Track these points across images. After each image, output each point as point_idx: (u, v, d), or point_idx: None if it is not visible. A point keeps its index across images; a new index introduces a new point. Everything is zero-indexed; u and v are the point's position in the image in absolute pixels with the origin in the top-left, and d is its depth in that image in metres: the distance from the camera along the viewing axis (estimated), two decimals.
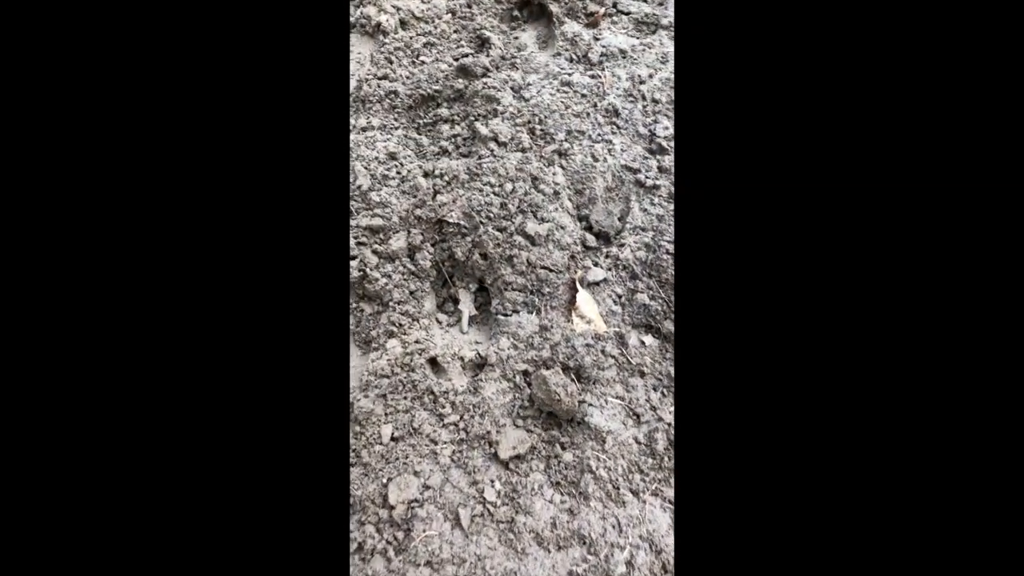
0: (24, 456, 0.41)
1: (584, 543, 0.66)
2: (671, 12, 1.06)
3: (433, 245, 0.84)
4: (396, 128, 0.94)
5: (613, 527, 0.67)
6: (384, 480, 0.69)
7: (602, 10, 1.06)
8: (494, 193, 0.85)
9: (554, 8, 1.06)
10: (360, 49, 1.05)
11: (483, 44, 1.03)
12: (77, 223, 0.43)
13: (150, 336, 0.43)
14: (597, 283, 0.83)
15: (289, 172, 0.46)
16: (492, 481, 0.70)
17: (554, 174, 0.88)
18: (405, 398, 0.74)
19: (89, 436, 0.42)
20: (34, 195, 0.43)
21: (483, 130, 0.91)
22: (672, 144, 0.91)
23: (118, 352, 0.43)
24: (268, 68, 0.46)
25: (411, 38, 1.04)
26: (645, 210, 0.87)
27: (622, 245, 0.86)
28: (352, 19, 1.07)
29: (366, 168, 0.88)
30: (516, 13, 1.08)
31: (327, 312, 0.47)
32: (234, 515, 0.42)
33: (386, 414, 0.73)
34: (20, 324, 0.42)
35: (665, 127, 0.93)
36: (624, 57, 1.00)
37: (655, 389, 0.76)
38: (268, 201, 0.45)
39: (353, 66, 1.03)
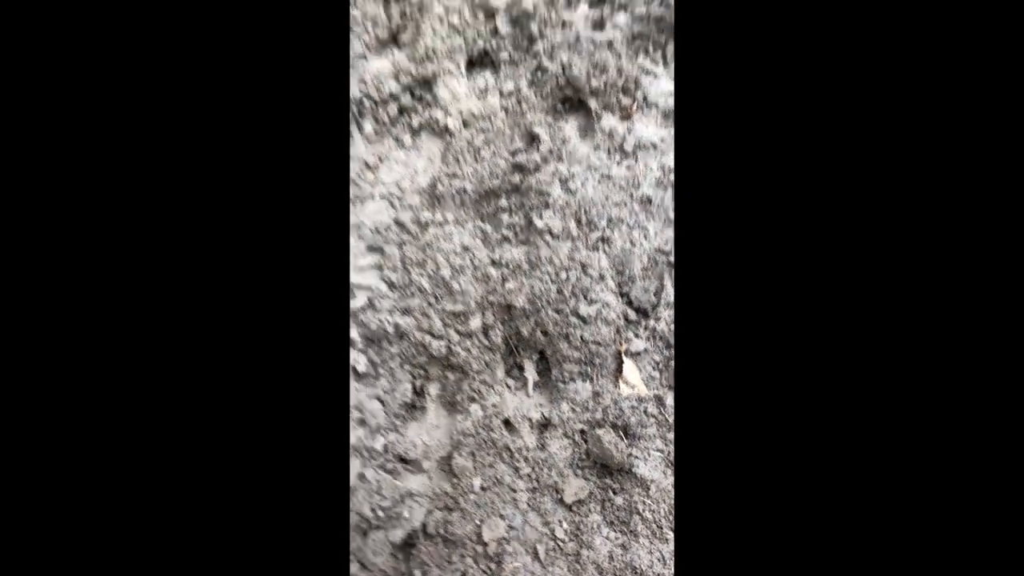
0: (22, 456, 0.40)
1: (636, 573, 0.82)
2: None
3: (503, 324, 1.01)
4: (467, 221, 1.11)
5: (659, 560, 0.83)
6: (477, 521, 0.86)
7: (634, 104, 1.20)
8: (551, 281, 1.01)
9: (592, 103, 1.21)
10: (431, 148, 1.21)
11: (532, 140, 1.18)
12: (63, 259, 0.41)
13: (152, 349, 0.42)
14: (638, 353, 0.98)
15: (290, 205, 0.45)
16: (560, 522, 0.87)
17: (599, 259, 1.03)
18: (488, 454, 0.92)
19: (79, 448, 0.41)
20: (29, 197, 0.41)
21: (539, 223, 1.06)
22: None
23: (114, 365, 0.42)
24: (265, 119, 0.45)
25: (472, 136, 1.20)
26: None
27: (658, 319, 1.01)
28: (422, 120, 1.23)
29: (446, 260, 1.05)
30: (559, 106, 1.23)
31: (326, 345, 0.45)
32: (232, 530, 0.42)
33: (475, 468, 0.91)
34: (16, 325, 0.41)
35: None
36: (655, 148, 1.14)
37: None
38: (269, 234, 0.44)
39: (424, 163, 1.20)
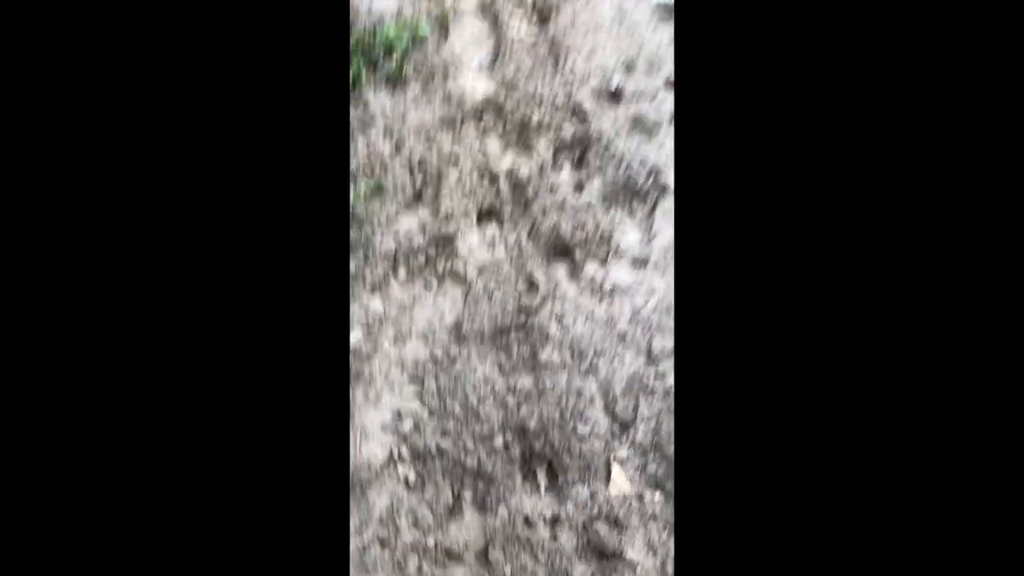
0: (17, 457, 0.40)
1: None
2: (654, 250, 1.53)
3: (520, 441, 1.30)
4: (486, 355, 1.41)
5: None
6: None
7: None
8: (555, 406, 1.31)
9: (577, 253, 1.54)
10: (453, 292, 1.52)
11: (532, 284, 1.50)
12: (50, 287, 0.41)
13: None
14: (623, 460, 1.28)
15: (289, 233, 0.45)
16: None
17: (590, 385, 1.34)
18: (514, 546, 1.20)
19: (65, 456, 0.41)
20: (23, 197, 0.41)
21: (542, 356, 1.37)
22: (665, 355, 1.38)
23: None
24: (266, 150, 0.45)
25: (486, 282, 1.51)
26: (649, 406, 1.33)
27: (636, 430, 1.31)
28: (445, 268, 1.55)
29: (473, 390, 1.35)
30: (551, 255, 1.56)
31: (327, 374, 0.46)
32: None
33: (505, 558, 1.18)
34: (13, 325, 0.41)
35: (658, 344, 1.40)
36: (626, 292, 1.47)
37: (664, 529, 1.21)
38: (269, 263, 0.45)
39: (449, 304, 1.51)
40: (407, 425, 1.33)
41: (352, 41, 1.85)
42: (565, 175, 1.67)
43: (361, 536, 1.23)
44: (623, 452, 1.28)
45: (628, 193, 1.63)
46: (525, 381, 1.36)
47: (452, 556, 1.21)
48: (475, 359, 1.40)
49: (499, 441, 1.29)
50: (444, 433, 1.31)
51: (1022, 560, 0.39)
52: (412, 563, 1.19)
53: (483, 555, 1.20)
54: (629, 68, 1.84)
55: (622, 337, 1.41)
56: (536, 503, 1.27)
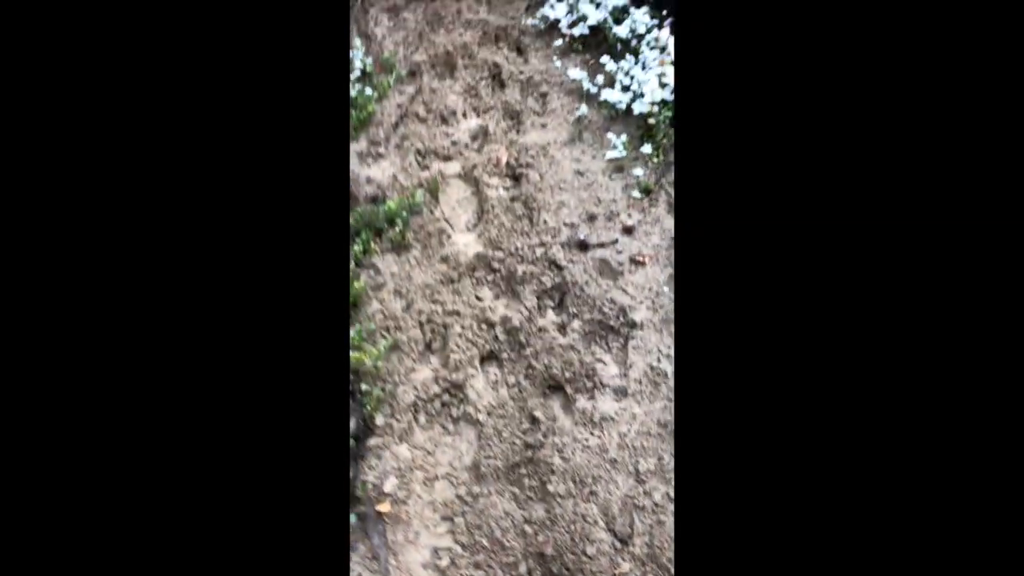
0: (23, 457, 0.40)
1: None
2: (631, 381, 1.85)
3: (540, 566, 1.55)
4: (504, 491, 1.67)
5: None
6: None
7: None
8: (566, 532, 1.57)
9: (568, 389, 1.84)
10: (468, 433, 1.79)
11: (534, 420, 1.79)
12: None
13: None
14: (625, 573, 1.54)
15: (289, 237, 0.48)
16: None
17: (592, 508, 1.62)
18: None
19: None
20: (27, 198, 0.41)
21: (550, 487, 1.65)
22: (650, 475, 1.67)
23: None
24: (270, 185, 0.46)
25: (495, 422, 1.79)
26: (642, 521, 1.61)
27: (633, 544, 1.58)
28: (459, 412, 1.82)
29: (496, 524, 1.60)
30: (547, 391, 1.86)
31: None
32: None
33: None
34: (16, 327, 0.40)
35: (643, 466, 1.69)
36: (613, 421, 1.78)
37: None
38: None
39: (466, 445, 1.77)
40: (444, 561, 1.56)
41: (356, 214, 2.17)
42: (550, 319, 1.99)
43: None
44: (625, 566, 1.55)
45: (604, 331, 1.96)
46: (538, 510, 1.62)
47: None
48: (495, 496, 1.66)
49: (523, 568, 1.54)
50: (476, 566, 1.55)
51: (1020, 560, 0.39)
52: None
53: None
54: (591, 219, 2.21)
55: (613, 463, 1.70)
56: None
